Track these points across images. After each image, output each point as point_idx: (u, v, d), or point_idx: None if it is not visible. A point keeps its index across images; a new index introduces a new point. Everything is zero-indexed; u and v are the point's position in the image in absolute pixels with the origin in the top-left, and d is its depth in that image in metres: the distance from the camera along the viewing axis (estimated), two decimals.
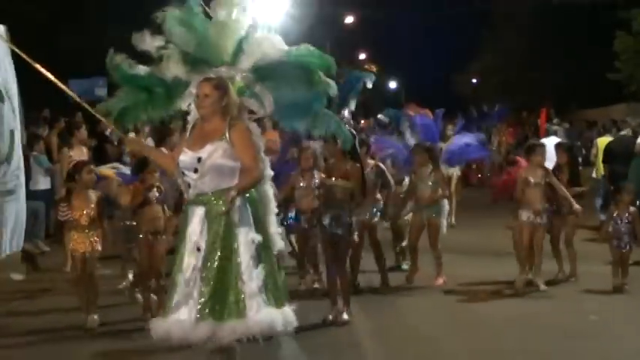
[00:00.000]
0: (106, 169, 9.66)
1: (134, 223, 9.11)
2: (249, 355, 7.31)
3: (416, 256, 10.66)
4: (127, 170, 9.48)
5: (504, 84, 46.92)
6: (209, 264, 5.96)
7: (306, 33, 41.62)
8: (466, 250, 12.68)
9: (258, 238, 6.09)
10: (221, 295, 5.94)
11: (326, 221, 8.67)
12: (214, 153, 6.03)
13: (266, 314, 6.03)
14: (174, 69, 6.52)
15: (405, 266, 11.38)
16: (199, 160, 6.04)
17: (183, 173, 6.17)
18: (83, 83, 21.52)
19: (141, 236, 8.86)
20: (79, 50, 23.25)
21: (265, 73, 6.56)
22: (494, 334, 8.21)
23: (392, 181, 10.52)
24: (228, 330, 5.91)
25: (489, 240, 12.84)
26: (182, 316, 5.99)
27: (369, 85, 10.43)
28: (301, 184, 9.94)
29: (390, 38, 63.89)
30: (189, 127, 6.45)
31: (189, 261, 6.06)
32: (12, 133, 6.70)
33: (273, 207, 6.67)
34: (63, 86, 6.74)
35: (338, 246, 8.66)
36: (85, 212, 8.66)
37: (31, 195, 13.58)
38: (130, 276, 9.77)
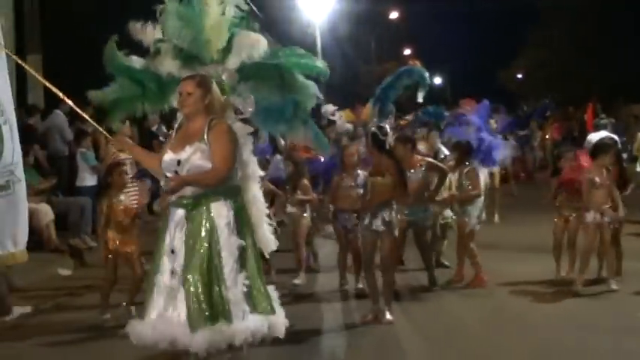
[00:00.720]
0: None
1: None
2: (289, 354, 7.38)
3: (463, 258, 10.41)
4: None
5: (551, 79, 46.52)
6: (191, 268, 5.87)
7: (351, 29, 41.66)
8: (511, 247, 12.59)
9: (242, 242, 6.02)
10: (207, 301, 5.84)
11: (367, 219, 8.63)
12: (193, 155, 5.97)
13: (252, 321, 5.96)
14: (168, 64, 6.50)
15: (447, 262, 11.35)
16: (178, 162, 5.99)
17: (165, 176, 6.09)
18: None
19: None
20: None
21: (249, 72, 6.53)
22: (539, 333, 8.12)
23: (445, 168, 10.34)
24: (216, 335, 5.83)
25: (535, 237, 12.73)
26: (166, 318, 5.93)
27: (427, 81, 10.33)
28: (344, 183, 9.85)
29: (436, 34, 63.64)
30: (175, 126, 6.40)
31: (166, 264, 6.02)
32: None
33: (263, 208, 6.66)
34: (52, 86, 6.78)
35: (380, 244, 8.59)
36: (121, 212, 8.77)
37: (77, 191, 13.88)
38: None
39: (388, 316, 8.52)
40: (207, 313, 5.82)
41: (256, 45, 6.52)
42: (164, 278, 6.01)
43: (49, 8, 19.02)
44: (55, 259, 12.14)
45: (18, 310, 9.04)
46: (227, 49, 6.52)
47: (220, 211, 5.98)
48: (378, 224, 8.49)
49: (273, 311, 6.16)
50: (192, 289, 5.84)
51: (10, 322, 8.92)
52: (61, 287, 10.89)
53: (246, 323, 5.92)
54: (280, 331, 6.20)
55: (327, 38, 36.74)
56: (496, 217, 15.26)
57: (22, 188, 6.85)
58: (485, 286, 10.09)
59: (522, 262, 11.53)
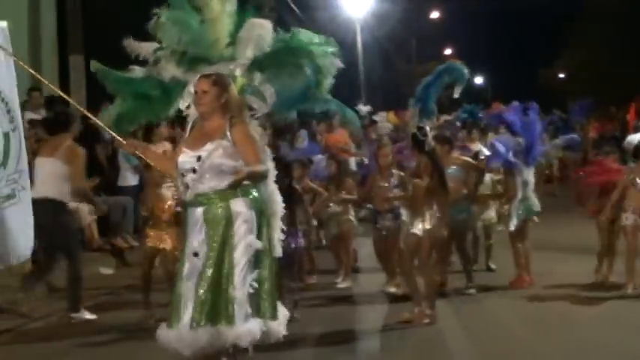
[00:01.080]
0: None
1: None
2: (331, 355, 7.38)
3: (518, 260, 10.30)
4: None
5: (593, 78, 46.03)
6: (205, 268, 5.81)
7: (391, 28, 41.59)
8: (552, 247, 12.46)
9: (258, 243, 5.92)
10: (214, 299, 5.77)
11: (407, 222, 8.59)
12: (214, 152, 5.87)
13: (256, 324, 5.85)
14: (171, 69, 6.38)
15: (493, 266, 11.27)
16: (199, 158, 5.89)
17: (182, 175, 6.01)
18: None
19: None
20: None
21: (264, 64, 6.38)
22: (581, 334, 8.04)
23: (481, 165, 10.27)
24: (218, 335, 5.76)
25: (575, 237, 12.65)
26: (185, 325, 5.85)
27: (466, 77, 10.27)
28: (379, 183, 9.75)
29: (476, 33, 63.28)
30: (188, 127, 6.31)
31: (189, 268, 5.93)
32: (6, 135, 6.67)
33: (279, 209, 6.45)
34: (61, 93, 6.77)
35: (418, 246, 8.50)
36: (161, 209, 8.82)
37: (119, 190, 13.96)
38: None
39: (429, 317, 8.46)
40: (210, 313, 5.77)
41: (263, 31, 6.33)
42: (188, 284, 5.91)
43: (91, 9, 19.16)
44: (96, 258, 12.24)
45: (85, 314, 9.10)
46: (235, 44, 6.36)
47: (238, 208, 5.89)
48: (417, 227, 8.43)
49: (275, 317, 6.04)
50: (203, 290, 5.80)
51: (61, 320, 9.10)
52: (103, 286, 10.98)
53: (248, 326, 5.81)
54: (274, 338, 6.05)
55: (368, 37, 36.70)
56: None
57: (26, 195, 6.88)
58: (527, 287, 10.02)
59: (563, 262, 11.48)
